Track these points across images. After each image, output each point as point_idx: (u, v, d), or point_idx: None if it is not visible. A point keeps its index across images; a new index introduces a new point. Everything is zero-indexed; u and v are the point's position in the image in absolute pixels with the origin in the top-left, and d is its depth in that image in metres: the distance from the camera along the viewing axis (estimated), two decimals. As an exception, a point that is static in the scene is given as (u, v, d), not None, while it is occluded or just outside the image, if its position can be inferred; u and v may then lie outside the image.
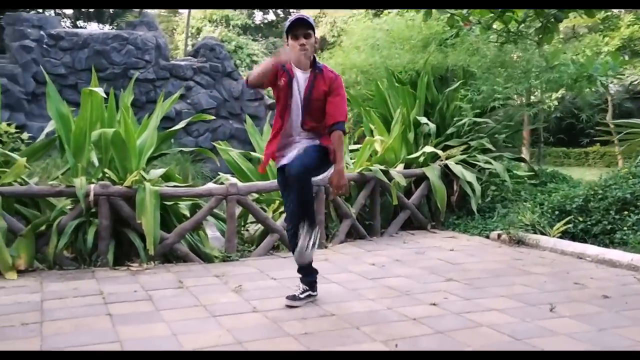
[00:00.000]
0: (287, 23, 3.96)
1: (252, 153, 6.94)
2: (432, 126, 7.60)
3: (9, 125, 9.39)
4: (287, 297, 4.14)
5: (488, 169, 7.50)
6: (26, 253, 5.08)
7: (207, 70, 14.01)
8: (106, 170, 5.48)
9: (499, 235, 6.61)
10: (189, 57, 14.52)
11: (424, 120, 7.63)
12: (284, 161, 4.08)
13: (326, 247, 6.15)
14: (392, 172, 6.79)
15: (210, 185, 5.82)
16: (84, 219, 5.29)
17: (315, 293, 4.28)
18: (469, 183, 7.19)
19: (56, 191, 5.27)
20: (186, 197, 5.64)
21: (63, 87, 12.36)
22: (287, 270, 5.15)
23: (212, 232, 6.30)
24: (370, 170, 6.62)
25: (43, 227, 5.21)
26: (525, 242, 6.34)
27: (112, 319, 3.84)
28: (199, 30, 22.84)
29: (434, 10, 8.03)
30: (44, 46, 12.62)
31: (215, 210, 5.75)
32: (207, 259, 5.63)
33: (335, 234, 6.38)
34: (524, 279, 4.92)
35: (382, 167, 6.76)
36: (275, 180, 5.91)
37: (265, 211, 6.29)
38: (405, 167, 7.40)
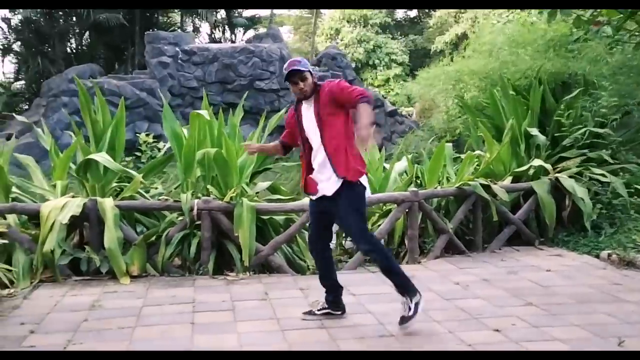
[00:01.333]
0: (284, 73, 4.37)
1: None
2: (542, 138, 7.49)
3: (147, 135, 10.65)
4: (303, 312, 4.67)
5: (606, 182, 7.27)
6: (139, 260, 5.90)
7: (327, 80, 14.56)
8: (209, 186, 6.16)
9: (609, 255, 6.42)
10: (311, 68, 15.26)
11: (534, 131, 7.54)
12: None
13: (419, 263, 6.40)
14: (495, 186, 6.84)
15: (304, 201, 6.28)
16: (189, 231, 6.02)
17: (337, 312, 4.62)
18: (582, 198, 7.03)
19: (165, 205, 6.05)
20: (280, 212, 6.17)
21: (195, 99, 13.64)
22: (369, 286, 5.50)
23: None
24: (469, 185, 6.72)
25: (153, 238, 6.01)
26: (635, 265, 6.12)
27: (194, 328, 4.43)
28: (337, 32, 23.56)
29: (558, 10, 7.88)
30: (179, 61, 13.99)
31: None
32: (300, 270, 6.14)
33: (431, 250, 6.59)
34: (611, 307, 4.83)
35: (483, 182, 6.83)
36: (370, 196, 6.33)
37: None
38: (514, 180, 7.39)
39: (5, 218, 6.08)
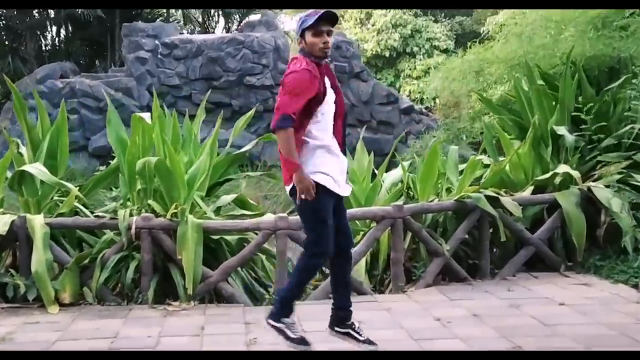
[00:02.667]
0: (306, 18, 4.09)
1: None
2: (570, 138, 7.11)
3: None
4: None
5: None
6: (71, 286, 5.89)
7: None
8: (150, 201, 6.09)
9: (651, 285, 6.04)
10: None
11: (561, 130, 7.17)
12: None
13: (404, 292, 6.16)
14: (505, 199, 6.53)
15: (260, 218, 6.14)
16: (127, 252, 5.95)
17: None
18: (619, 212, 6.64)
19: (100, 223, 6.03)
20: (233, 231, 6.04)
21: (177, 98, 13.71)
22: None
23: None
24: (470, 197, 6.44)
25: (87, 260, 5.97)
26: (677, 298, 5.73)
27: (97, 370, 4.36)
28: (368, 15, 23.12)
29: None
30: (159, 56, 14.11)
31: (266, 246, 6.08)
32: (259, 299, 6.00)
33: (422, 276, 6.34)
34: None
35: (491, 193, 6.54)
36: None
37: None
38: (537, 191, 7.06)
39: None
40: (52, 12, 17.65)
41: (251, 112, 7.12)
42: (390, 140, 14.36)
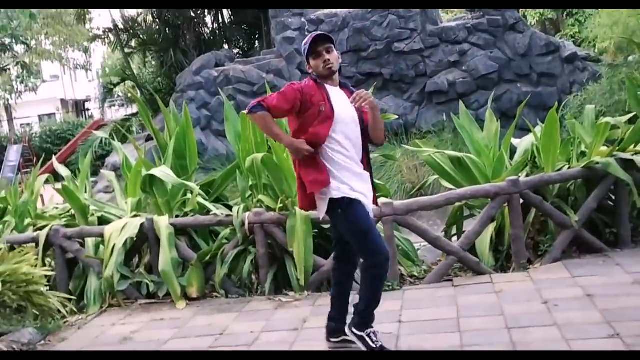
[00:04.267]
0: (305, 46, 4.49)
1: (460, 154, 7.00)
2: None
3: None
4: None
5: None
6: (197, 282, 6.55)
7: (484, 27, 14.45)
8: (261, 196, 6.54)
9: None
10: (462, 16, 14.74)
11: None
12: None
13: (527, 270, 6.08)
14: (640, 159, 6.18)
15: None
16: (243, 247, 6.48)
17: None
18: None
19: (217, 221, 6.61)
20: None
21: None
22: (437, 308, 5.50)
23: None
24: (599, 163, 6.16)
25: (208, 257, 6.60)
26: None
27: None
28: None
29: None
30: (306, 33, 14.57)
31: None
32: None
33: (548, 250, 6.22)
34: None
35: (625, 155, 6.20)
36: (449, 193, 6.25)
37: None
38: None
39: (84, 242, 7.14)
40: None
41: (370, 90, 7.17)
42: (553, 93, 13.69)
